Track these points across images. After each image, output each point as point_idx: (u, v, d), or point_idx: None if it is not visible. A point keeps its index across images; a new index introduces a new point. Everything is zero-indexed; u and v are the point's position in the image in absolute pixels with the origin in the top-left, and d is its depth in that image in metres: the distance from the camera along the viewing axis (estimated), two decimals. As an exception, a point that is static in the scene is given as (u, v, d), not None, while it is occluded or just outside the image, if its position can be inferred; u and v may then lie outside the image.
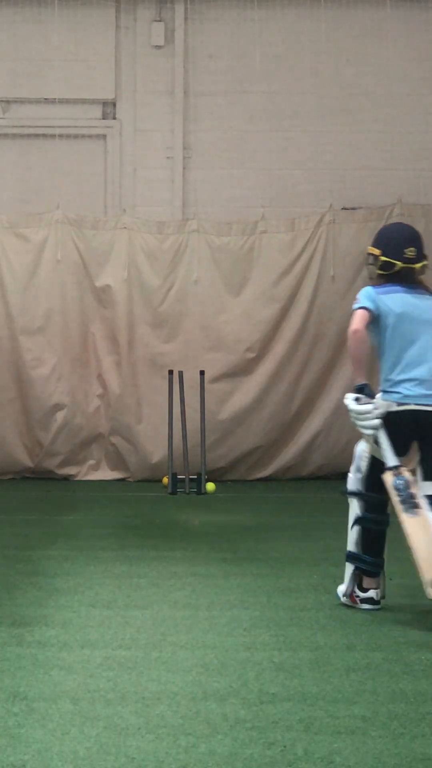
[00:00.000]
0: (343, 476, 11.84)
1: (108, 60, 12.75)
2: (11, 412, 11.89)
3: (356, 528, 6.29)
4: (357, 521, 6.28)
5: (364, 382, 6.31)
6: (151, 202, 12.77)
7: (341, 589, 6.36)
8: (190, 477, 11.10)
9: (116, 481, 11.89)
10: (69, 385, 11.89)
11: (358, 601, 6.29)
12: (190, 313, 11.92)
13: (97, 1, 12.69)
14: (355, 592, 6.31)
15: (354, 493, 6.35)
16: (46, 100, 12.68)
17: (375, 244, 6.52)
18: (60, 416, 11.85)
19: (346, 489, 6.39)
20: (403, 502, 6.10)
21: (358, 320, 6.33)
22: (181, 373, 11.47)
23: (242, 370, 11.97)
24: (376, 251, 6.48)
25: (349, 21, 12.75)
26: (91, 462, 12.03)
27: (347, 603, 6.28)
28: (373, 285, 6.49)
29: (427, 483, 6.21)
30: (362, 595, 6.29)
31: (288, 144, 12.75)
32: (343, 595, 6.33)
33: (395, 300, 6.38)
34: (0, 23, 12.67)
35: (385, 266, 6.43)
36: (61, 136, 12.63)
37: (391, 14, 12.64)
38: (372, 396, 6.26)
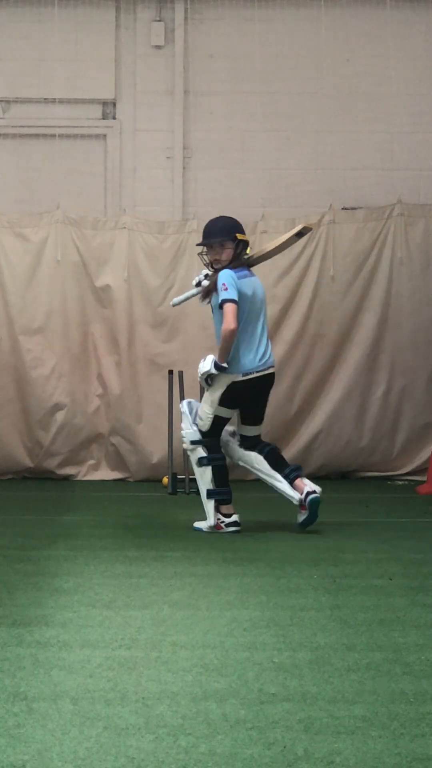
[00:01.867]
0: (344, 477, 12.04)
1: (108, 60, 12.76)
2: (11, 412, 11.89)
3: (208, 469, 8.12)
4: (208, 462, 8.11)
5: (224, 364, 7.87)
6: (151, 202, 12.77)
7: (204, 524, 8.18)
8: (190, 477, 11.10)
9: (116, 481, 11.89)
10: (69, 385, 11.88)
11: (224, 527, 8.13)
12: (190, 313, 11.91)
13: (97, 1, 12.70)
14: (220, 519, 8.13)
15: (198, 442, 8.12)
16: (46, 100, 12.68)
17: (239, 232, 7.86)
18: (60, 416, 11.85)
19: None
20: None
21: (233, 318, 7.65)
22: (181, 373, 11.47)
23: (242, 370, 11.96)
24: (246, 237, 7.93)
25: (349, 21, 12.75)
26: (91, 462, 12.03)
27: (212, 531, 8.10)
28: (231, 268, 7.80)
29: (245, 426, 8.23)
30: (228, 520, 8.15)
31: (288, 144, 12.74)
32: (209, 527, 8.12)
33: (247, 284, 7.77)
34: (0, 23, 12.68)
35: (245, 247, 7.90)
36: (61, 136, 12.64)
37: (391, 14, 12.64)
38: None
